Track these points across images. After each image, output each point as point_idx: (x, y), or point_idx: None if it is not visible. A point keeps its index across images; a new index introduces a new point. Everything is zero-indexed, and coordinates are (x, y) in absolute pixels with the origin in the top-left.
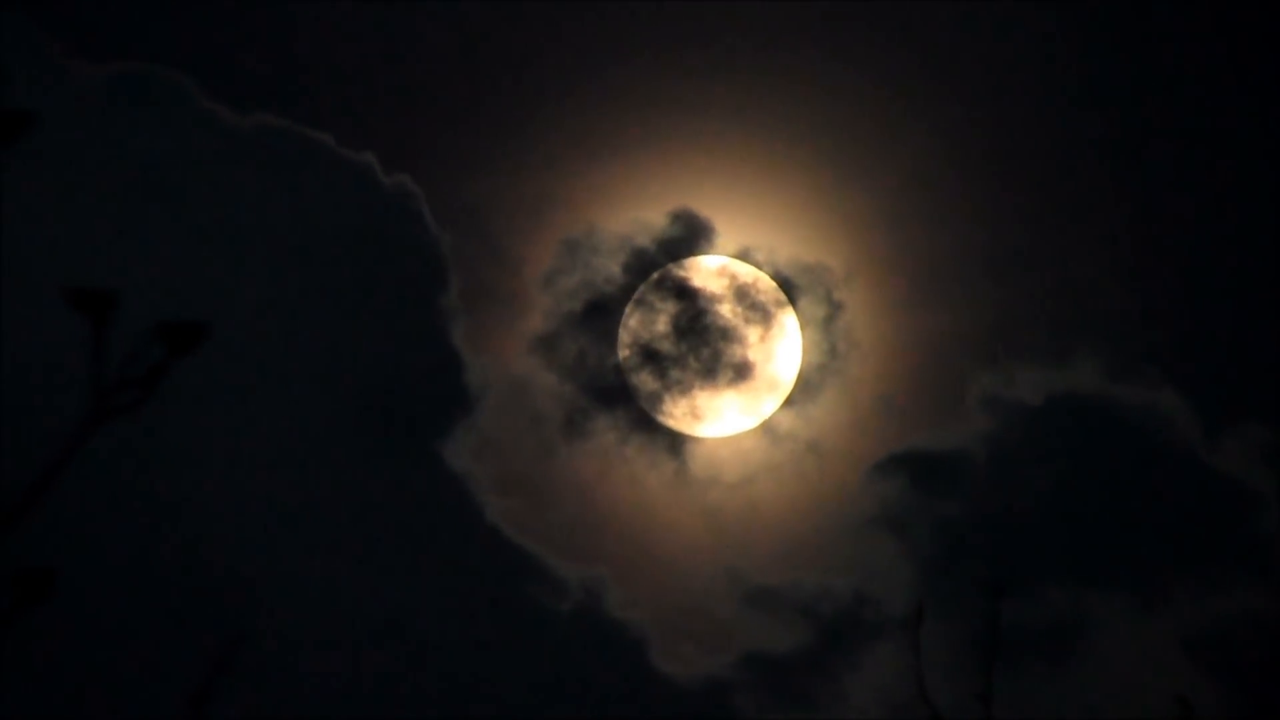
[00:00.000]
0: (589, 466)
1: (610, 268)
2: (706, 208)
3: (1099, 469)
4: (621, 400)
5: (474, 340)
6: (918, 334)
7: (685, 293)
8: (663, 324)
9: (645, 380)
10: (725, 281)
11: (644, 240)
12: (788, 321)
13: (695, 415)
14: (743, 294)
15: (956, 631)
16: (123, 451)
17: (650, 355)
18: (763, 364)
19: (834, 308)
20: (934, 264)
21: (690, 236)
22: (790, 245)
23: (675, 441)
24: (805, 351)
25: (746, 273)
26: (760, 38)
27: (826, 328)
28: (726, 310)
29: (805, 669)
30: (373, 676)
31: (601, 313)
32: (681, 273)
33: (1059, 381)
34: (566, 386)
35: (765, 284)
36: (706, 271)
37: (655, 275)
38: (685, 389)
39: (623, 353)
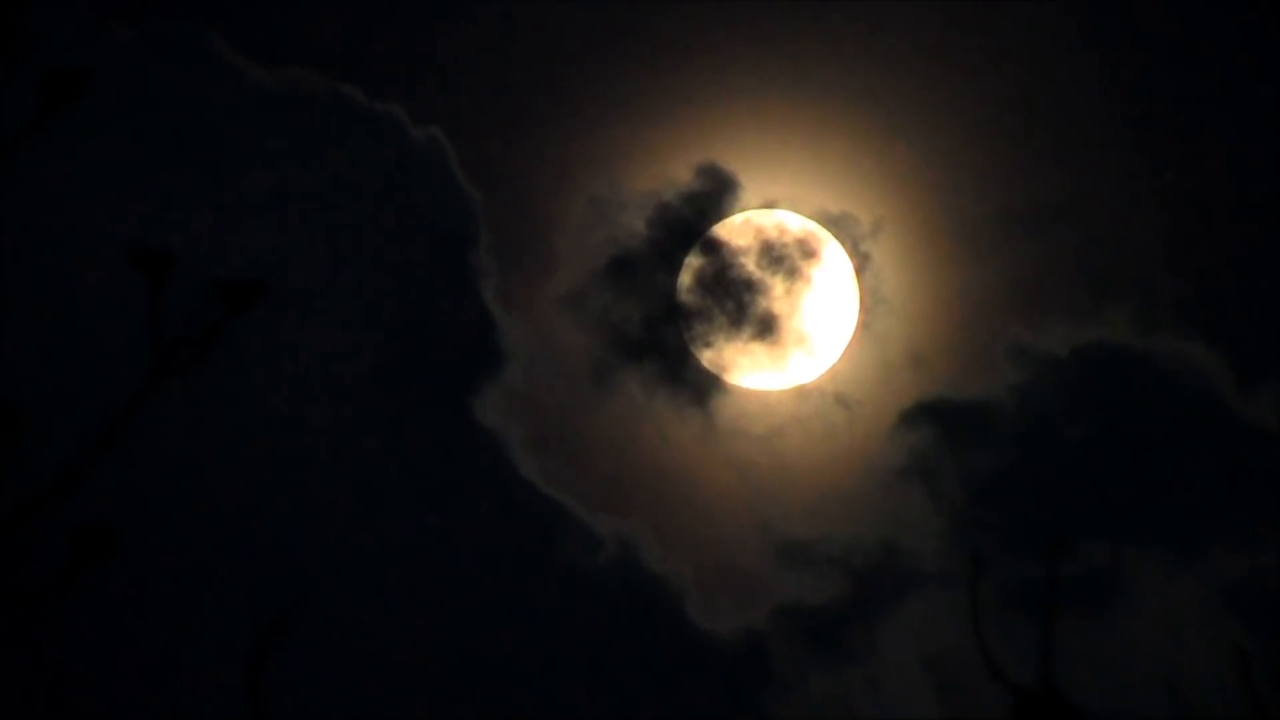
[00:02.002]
0: (619, 421)
1: (636, 224)
2: (732, 162)
3: (1130, 421)
4: (650, 355)
5: (504, 297)
6: (946, 286)
7: (714, 247)
8: (692, 279)
9: (676, 334)
10: (753, 235)
11: (670, 196)
12: (817, 274)
13: (725, 369)
14: (770, 248)
15: (988, 584)
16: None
17: (679, 310)
18: (788, 317)
19: (861, 260)
20: (962, 216)
21: (716, 190)
22: (817, 198)
23: (703, 395)
24: (834, 304)
25: (775, 226)
26: None
27: (854, 280)
28: (754, 264)
29: (839, 620)
30: (406, 632)
31: (628, 269)
32: (713, 227)
33: (1089, 333)
34: (595, 342)
35: (796, 236)
36: (735, 226)
37: (685, 232)
38: (714, 343)
39: (652, 306)
